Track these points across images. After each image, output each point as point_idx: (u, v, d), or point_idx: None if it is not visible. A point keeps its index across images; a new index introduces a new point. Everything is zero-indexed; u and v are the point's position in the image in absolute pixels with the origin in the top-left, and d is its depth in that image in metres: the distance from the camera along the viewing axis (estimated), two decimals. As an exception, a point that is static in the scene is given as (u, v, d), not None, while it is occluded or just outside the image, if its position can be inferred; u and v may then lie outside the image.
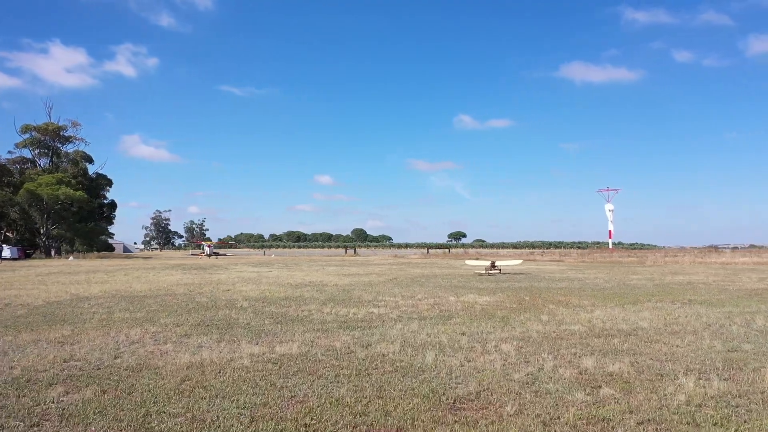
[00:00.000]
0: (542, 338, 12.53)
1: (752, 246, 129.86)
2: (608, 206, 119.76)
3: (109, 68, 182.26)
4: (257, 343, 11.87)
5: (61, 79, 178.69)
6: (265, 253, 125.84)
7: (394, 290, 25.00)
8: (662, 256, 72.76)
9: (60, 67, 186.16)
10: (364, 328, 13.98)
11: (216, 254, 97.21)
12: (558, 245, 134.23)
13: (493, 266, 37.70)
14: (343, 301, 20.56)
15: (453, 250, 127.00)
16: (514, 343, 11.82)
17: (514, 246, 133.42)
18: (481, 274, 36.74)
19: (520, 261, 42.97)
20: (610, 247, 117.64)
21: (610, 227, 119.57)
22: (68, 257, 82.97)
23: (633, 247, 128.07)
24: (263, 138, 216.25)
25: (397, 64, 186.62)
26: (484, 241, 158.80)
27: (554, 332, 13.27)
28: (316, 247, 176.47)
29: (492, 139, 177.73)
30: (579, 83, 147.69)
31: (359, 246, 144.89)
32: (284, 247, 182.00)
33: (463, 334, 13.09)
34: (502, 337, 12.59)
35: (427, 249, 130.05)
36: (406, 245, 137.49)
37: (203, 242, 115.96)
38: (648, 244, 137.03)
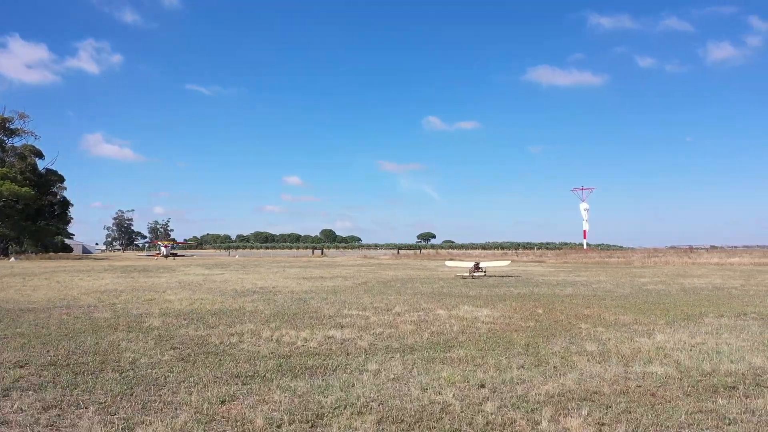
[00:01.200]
0: (620, 395, 7.20)
1: (713, 247, 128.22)
2: (583, 205, 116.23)
3: (71, 64, 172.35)
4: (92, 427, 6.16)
5: (22, 75, 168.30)
6: (229, 254, 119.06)
7: (363, 299, 19.51)
8: (645, 256, 68.83)
9: (20, 62, 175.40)
10: (315, 373, 8.51)
11: (174, 255, 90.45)
12: (527, 246, 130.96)
13: (477, 268, 32.51)
14: (295, 316, 15.08)
15: (424, 251, 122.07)
16: (582, 411, 6.45)
17: (483, 247, 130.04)
18: (464, 277, 31.52)
19: (507, 262, 37.63)
20: (585, 247, 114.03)
21: (585, 227, 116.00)
22: (10, 258, 75.17)
23: (601, 247, 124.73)
24: (230, 138, 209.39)
25: (366, 66, 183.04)
26: (453, 242, 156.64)
27: (629, 379, 7.97)
28: (283, 248, 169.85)
29: (460, 141, 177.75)
30: (546, 87, 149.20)
31: (327, 247, 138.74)
32: (251, 247, 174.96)
33: (481, 386, 7.70)
34: (550, 394, 7.24)
35: (398, 249, 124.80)
36: (376, 246, 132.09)
37: (160, 242, 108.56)
38: (615, 245, 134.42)
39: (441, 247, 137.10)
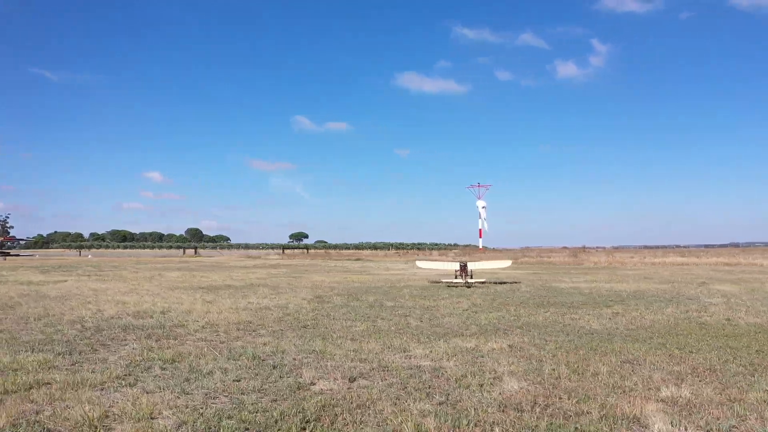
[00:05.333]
0: None
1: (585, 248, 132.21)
2: (480, 203, 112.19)
3: None
4: None
5: None
6: (80, 254, 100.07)
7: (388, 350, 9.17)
8: (566, 255, 63.93)
9: None
10: None
11: (4, 254, 73.33)
12: (400, 246, 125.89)
13: (463, 271, 23.09)
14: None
15: (312, 250, 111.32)
16: None
17: (357, 247, 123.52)
18: (455, 286, 22.04)
19: (508, 263, 28.11)
20: (480, 246, 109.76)
21: (481, 225, 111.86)
22: None
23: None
24: (83, 129, 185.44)
25: (233, 60, 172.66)
26: (326, 242, 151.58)
27: None
28: (145, 248, 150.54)
29: (330, 141, 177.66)
30: (413, 92, 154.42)
31: (202, 246, 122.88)
32: (107, 247, 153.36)
33: None
34: None
35: (283, 249, 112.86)
36: (247, 245, 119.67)
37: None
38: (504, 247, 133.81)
39: (327, 246, 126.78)
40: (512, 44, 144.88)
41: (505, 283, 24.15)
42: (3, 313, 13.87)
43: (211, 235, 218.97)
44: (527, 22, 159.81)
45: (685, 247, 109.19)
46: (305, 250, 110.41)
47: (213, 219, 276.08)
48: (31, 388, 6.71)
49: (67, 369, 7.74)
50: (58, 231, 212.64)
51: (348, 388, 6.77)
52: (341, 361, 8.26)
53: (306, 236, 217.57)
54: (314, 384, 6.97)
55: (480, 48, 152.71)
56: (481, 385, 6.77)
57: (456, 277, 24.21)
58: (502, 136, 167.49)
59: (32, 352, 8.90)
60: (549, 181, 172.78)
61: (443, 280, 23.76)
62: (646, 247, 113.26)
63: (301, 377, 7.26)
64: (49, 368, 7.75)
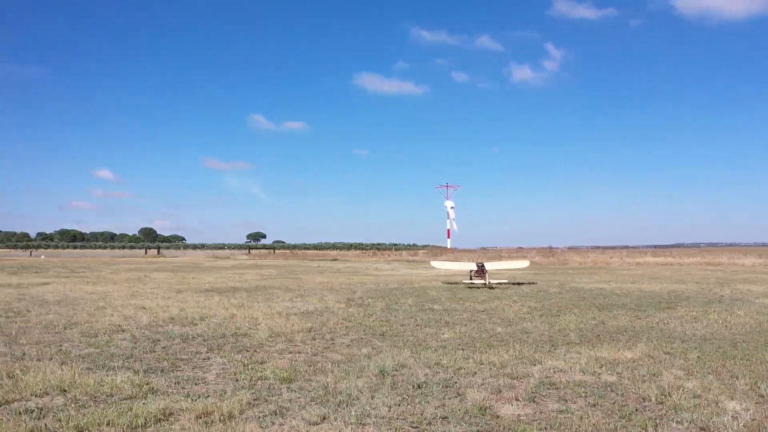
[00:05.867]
0: None
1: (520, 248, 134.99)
2: (448, 203, 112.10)
3: None
4: None
5: None
6: (31, 254, 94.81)
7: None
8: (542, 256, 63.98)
9: None
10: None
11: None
12: (360, 246, 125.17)
13: (481, 272, 22.17)
14: None
15: (278, 251, 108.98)
16: None
17: (316, 247, 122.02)
18: (476, 287, 21.16)
19: (526, 263, 27.21)
20: (448, 247, 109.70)
21: (449, 226, 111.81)
22: None
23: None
24: (28, 126, 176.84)
25: (187, 57, 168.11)
26: (284, 242, 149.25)
27: None
28: (96, 248, 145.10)
29: (288, 141, 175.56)
30: (371, 93, 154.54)
31: (166, 247, 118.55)
32: (56, 247, 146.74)
33: None
34: None
35: (249, 249, 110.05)
36: (222, 246, 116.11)
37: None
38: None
39: (290, 246, 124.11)
40: (469, 47, 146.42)
41: (521, 283, 23.38)
42: (20, 321, 12.15)
43: (166, 235, 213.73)
44: (484, 25, 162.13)
45: (634, 247, 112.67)
46: (272, 251, 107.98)
47: (166, 218, 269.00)
48: (159, 421, 5.37)
49: (172, 393, 6.38)
50: (1, 230, 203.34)
51: (540, 412, 5.69)
52: (485, 376, 7.16)
53: (263, 236, 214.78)
54: (492, 407, 5.85)
55: (438, 50, 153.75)
56: (697, 407, 5.79)
57: (471, 278, 23.36)
58: (461, 138, 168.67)
59: (106, 369, 7.47)
60: (505, 182, 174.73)
61: (464, 281, 22.82)
62: (597, 247, 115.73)
63: (466, 398, 6.13)
64: (153, 392, 6.38)
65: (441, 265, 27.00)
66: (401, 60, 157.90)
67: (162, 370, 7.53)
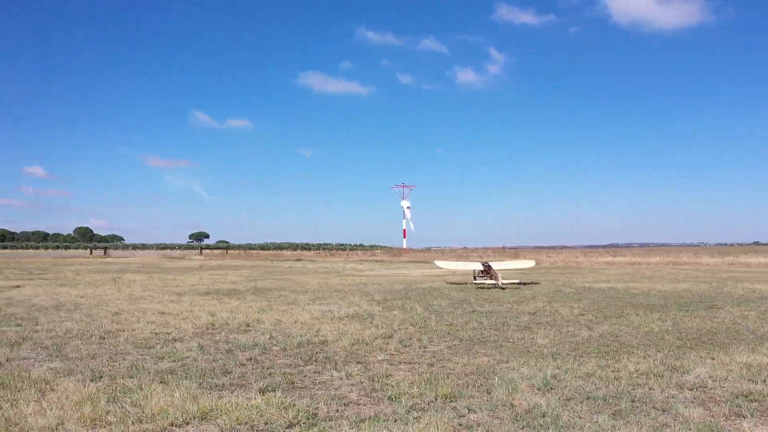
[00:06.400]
0: None
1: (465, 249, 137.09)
2: (404, 203, 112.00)
3: None
4: None
5: None
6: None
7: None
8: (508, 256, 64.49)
9: None
10: None
11: None
12: (305, 246, 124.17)
13: (487, 272, 21.63)
14: None
15: (232, 251, 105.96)
16: None
17: (262, 247, 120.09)
18: (487, 288, 20.61)
19: (532, 263, 26.81)
20: (404, 247, 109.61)
21: (405, 226, 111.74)
22: None
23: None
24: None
25: (127, 50, 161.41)
26: (228, 242, 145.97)
27: None
28: (28, 248, 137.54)
29: (231, 139, 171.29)
30: (317, 92, 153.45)
31: (110, 247, 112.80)
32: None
33: None
34: None
35: (200, 249, 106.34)
36: (143, 246, 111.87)
37: None
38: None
39: (235, 246, 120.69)
40: (414, 48, 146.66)
41: (524, 283, 22.97)
42: (42, 331, 10.64)
43: (103, 235, 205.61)
44: (429, 27, 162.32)
45: (571, 247, 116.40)
46: (224, 251, 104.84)
47: (102, 218, 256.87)
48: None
49: (337, 417, 5.37)
50: None
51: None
52: (662, 387, 6.47)
53: (207, 236, 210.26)
54: (731, 428, 5.16)
55: (383, 51, 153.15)
56: None
57: (475, 278, 22.84)
58: (406, 139, 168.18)
59: (220, 389, 6.35)
60: (449, 183, 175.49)
61: (474, 281, 22.23)
62: (542, 247, 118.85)
63: (691, 418, 5.40)
64: (313, 417, 5.35)
65: (446, 265, 26.34)
66: (347, 60, 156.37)
67: (286, 388, 6.46)
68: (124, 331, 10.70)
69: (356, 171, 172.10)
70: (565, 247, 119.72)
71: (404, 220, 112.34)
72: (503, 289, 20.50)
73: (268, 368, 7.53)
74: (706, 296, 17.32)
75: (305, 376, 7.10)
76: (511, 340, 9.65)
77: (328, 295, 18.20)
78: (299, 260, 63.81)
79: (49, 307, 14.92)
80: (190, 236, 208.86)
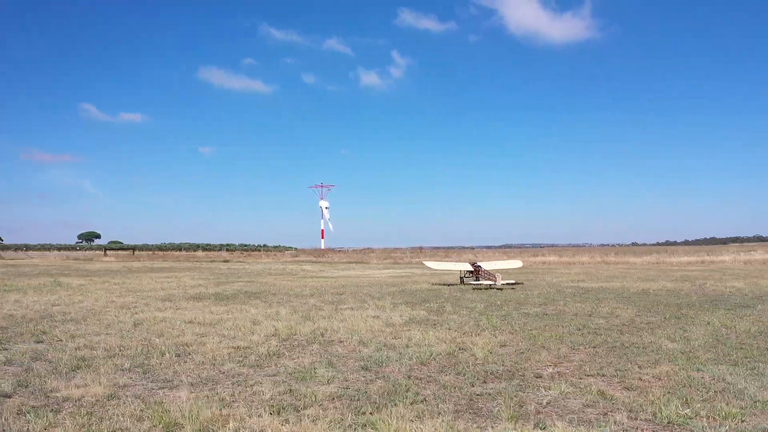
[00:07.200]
0: None
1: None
2: (323, 203, 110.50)
3: None
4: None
5: None
6: None
7: None
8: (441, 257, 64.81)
9: None
10: None
11: None
12: (207, 247, 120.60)
13: (477, 272, 21.44)
14: None
15: (138, 252, 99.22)
16: None
17: (159, 248, 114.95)
18: (483, 288, 20.17)
19: (520, 263, 26.29)
20: (323, 247, 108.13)
21: (323, 226, 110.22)
22: None
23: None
24: None
25: (7, 35, 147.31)
26: (121, 243, 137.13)
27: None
28: None
29: (124, 134, 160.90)
30: (217, 88, 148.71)
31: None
32: None
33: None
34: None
35: (105, 250, 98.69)
36: (26, 246, 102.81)
37: None
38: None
39: (131, 247, 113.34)
40: (319, 48, 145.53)
41: (518, 283, 22.80)
42: (86, 347, 8.75)
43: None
44: (333, 28, 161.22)
45: (485, 247, 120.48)
46: (131, 252, 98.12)
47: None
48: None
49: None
50: None
51: None
52: None
53: (98, 236, 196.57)
54: None
55: (287, 49, 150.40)
56: None
57: (462, 279, 22.44)
58: (310, 139, 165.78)
59: (457, 419, 5.22)
60: (356, 184, 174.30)
61: (471, 282, 21.74)
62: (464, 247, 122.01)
63: None
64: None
65: (436, 266, 25.60)
66: (249, 57, 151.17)
67: (535, 419, 5.42)
68: (190, 345, 9.04)
69: (260, 170, 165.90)
70: (473, 247, 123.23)
71: (322, 221, 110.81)
72: (500, 289, 20.14)
73: (451, 388, 6.42)
74: (707, 296, 17.79)
75: (478, 395, 6.09)
76: (648, 344, 9.06)
77: (344, 299, 16.91)
78: (227, 261, 60.73)
79: (42, 317, 12.59)
80: (80, 236, 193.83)
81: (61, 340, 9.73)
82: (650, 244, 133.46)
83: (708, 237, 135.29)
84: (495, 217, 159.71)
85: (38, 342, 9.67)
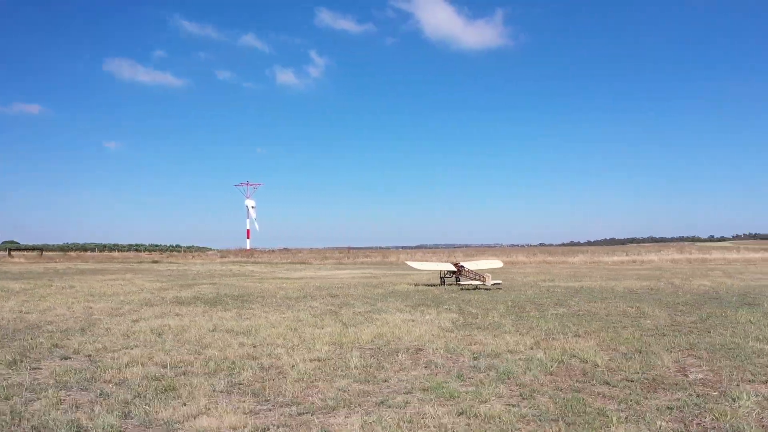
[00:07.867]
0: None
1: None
2: (249, 202, 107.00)
3: None
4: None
5: None
6: None
7: None
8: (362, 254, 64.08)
9: None
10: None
11: None
12: (114, 247, 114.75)
13: (460, 272, 21.30)
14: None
15: (48, 253, 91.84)
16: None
17: (62, 248, 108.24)
18: (474, 289, 19.84)
19: (500, 263, 25.57)
20: (248, 248, 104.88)
21: (249, 226, 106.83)
22: None
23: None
24: None
25: None
26: (17, 243, 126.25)
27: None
28: None
29: (19, 126, 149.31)
30: (125, 81, 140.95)
31: None
32: None
33: None
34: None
35: (9, 251, 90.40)
36: None
37: None
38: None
39: (28, 248, 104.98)
40: (234, 44, 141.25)
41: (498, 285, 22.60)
42: (152, 370, 7.41)
43: None
44: (250, 24, 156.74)
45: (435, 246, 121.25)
46: (39, 252, 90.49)
47: None
48: None
49: None
50: None
51: None
52: None
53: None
54: None
55: (200, 43, 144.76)
56: None
57: (443, 280, 22.07)
58: (225, 135, 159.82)
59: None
60: (278, 183, 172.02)
61: (462, 282, 21.29)
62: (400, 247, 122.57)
63: None
64: None
65: (419, 266, 24.83)
66: (160, 49, 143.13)
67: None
68: (258, 358, 7.87)
69: (170, 167, 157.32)
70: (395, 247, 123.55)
71: (248, 220, 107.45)
72: (488, 290, 19.88)
73: (631, 402, 5.79)
74: (708, 295, 18.31)
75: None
76: (741, 345, 8.87)
77: (346, 301, 15.90)
78: (156, 262, 57.16)
79: (29, 328, 10.77)
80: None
81: (90, 355, 8.22)
82: (556, 245, 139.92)
83: (608, 238, 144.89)
84: (412, 217, 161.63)
85: (64, 359, 8.11)
